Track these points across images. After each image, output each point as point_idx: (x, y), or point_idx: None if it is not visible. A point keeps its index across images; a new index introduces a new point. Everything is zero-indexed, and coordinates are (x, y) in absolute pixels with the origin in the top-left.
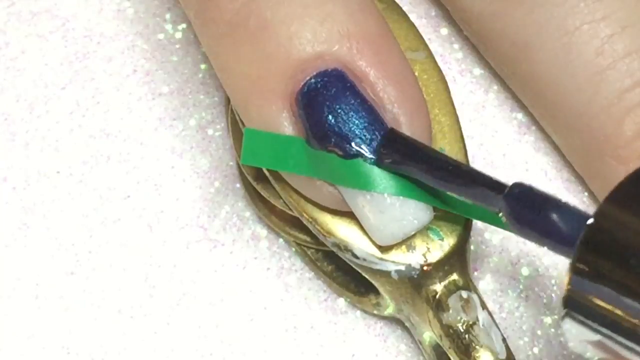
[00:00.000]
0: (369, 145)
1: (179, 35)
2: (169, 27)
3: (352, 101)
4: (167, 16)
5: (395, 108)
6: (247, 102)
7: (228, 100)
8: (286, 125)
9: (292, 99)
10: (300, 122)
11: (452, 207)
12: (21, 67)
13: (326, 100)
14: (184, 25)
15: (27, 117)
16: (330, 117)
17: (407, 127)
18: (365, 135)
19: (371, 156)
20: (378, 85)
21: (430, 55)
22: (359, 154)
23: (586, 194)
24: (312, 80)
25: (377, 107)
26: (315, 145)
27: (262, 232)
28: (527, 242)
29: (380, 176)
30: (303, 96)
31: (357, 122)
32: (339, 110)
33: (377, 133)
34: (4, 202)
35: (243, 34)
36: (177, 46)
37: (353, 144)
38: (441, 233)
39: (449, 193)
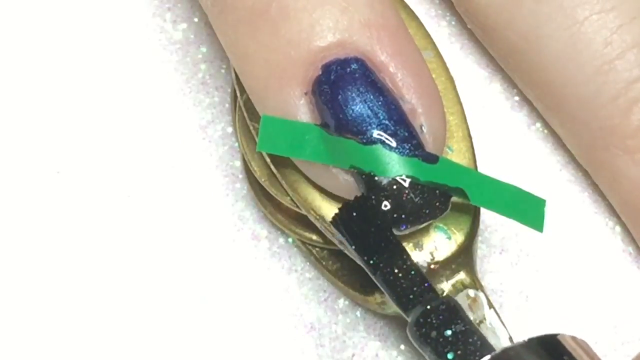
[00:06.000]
0: (388, 131)
1: (179, 35)
2: (169, 27)
3: (372, 88)
4: (167, 16)
5: (413, 99)
6: (265, 89)
7: (234, 98)
8: (304, 112)
9: (311, 86)
10: (318, 109)
11: (474, 200)
12: (21, 67)
13: (346, 87)
14: (184, 25)
15: (27, 117)
16: (350, 103)
17: (424, 118)
18: (385, 122)
19: (391, 142)
20: (397, 76)
21: (438, 55)
22: (378, 140)
23: (586, 194)
24: (332, 67)
25: (396, 97)
26: (334, 132)
27: (262, 232)
28: (527, 242)
29: (399, 162)
30: (322, 83)
31: (376, 108)
32: (360, 97)
33: (396, 121)
34: (4, 202)
35: (264, 20)
36: (177, 46)
37: (374, 130)
38: (449, 231)
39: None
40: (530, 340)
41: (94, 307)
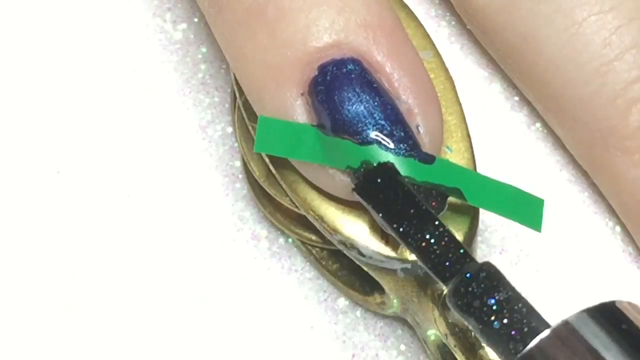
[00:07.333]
0: (385, 132)
1: (179, 35)
2: (169, 27)
3: (368, 89)
4: (167, 16)
5: (410, 99)
6: (262, 90)
7: (233, 98)
8: (300, 112)
9: (307, 87)
10: (314, 109)
11: (471, 200)
12: (21, 67)
13: (343, 87)
14: (184, 25)
15: (27, 117)
16: (346, 103)
17: (421, 118)
18: (381, 122)
19: (387, 143)
20: (393, 76)
21: (437, 55)
22: (374, 141)
23: (586, 194)
24: (329, 68)
25: (392, 97)
26: (330, 133)
27: (262, 232)
28: (527, 242)
29: (395, 162)
30: (319, 83)
31: (373, 109)
32: (356, 97)
33: (392, 121)
34: (4, 202)
35: (260, 21)
36: (177, 46)
37: (370, 131)
38: None
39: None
40: (588, 310)
41: (94, 306)
